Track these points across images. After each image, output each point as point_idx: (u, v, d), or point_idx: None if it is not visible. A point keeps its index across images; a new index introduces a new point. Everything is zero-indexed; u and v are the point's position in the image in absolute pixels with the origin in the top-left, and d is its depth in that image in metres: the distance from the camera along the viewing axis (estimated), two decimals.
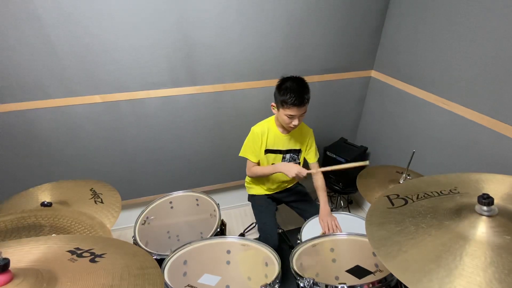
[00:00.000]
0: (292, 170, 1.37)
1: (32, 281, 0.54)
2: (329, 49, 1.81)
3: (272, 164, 1.54)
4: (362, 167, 1.38)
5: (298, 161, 1.59)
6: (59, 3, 1.32)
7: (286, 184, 1.69)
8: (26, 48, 1.37)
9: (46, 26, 1.35)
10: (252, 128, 1.51)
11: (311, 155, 1.59)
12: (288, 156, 1.55)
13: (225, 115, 1.83)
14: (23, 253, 0.64)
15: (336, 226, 1.37)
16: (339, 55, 1.84)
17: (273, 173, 1.51)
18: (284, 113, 1.36)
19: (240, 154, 1.55)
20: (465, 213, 0.73)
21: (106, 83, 1.54)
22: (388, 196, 0.89)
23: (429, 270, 0.62)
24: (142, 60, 1.53)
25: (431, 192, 0.86)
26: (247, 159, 1.54)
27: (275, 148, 1.51)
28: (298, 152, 1.56)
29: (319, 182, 1.56)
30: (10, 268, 0.54)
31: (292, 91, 1.30)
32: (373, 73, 1.97)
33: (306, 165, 1.60)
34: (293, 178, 1.39)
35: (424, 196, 0.85)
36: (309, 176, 1.43)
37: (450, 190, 0.85)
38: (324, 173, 2.03)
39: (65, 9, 1.34)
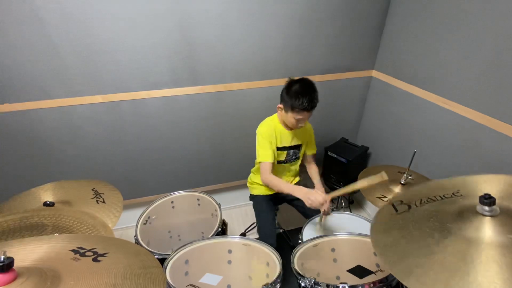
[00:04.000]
0: (311, 200, 1.26)
1: (36, 280, 0.55)
2: (330, 49, 1.81)
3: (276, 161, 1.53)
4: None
5: (299, 155, 1.61)
6: (60, 4, 1.32)
7: (291, 181, 1.69)
8: (28, 48, 1.37)
9: (48, 27, 1.35)
10: (259, 129, 1.48)
11: (310, 148, 1.64)
12: (291, 152, 1.56)
13: (226, 115, 1.83)
14: (27, 252, 0.64)
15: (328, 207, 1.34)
16: (340, 55, 1.84)
17: (289, 193, 1.38)
18: (292, 116, 1.36)
19: (259, 160, 1.47)
20: (467, 215, 0.73)
21: (107, 83, 1.55)
22: (392, 204, 0.90)
23: (434, 273, 0.62)
24: (143, 60, 1.54)
25: (434, 197, 0.87)
26: (260, 163, 1.47)
27: (281, 145, 1.52)
28: (299, 147, 1.58)
29: (312, 171, 1.60)
30: (14, 267, 0.54)
31: (303, 96, 1.30)
32: (374, 73, 1.97)
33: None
34: (310, 207, 1.29)
35: (427, 200, 0.86)
36: (304, 167, 1.42)
37: (453, 193, 0.86)
38: (324, 172, 2.03)
39: (67, 10, 1.34)
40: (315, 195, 1.26)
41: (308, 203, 1.26)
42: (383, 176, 1.10)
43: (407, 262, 0.67)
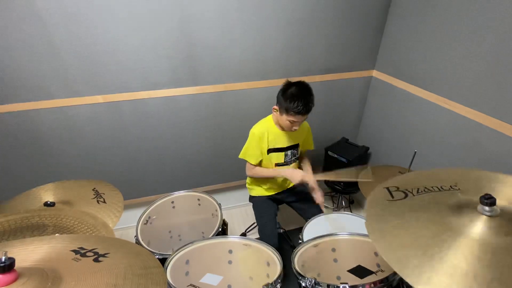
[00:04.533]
0: (296, 177, 1.41)
1: (37, 280, 0.55)
2: (330, 49, 1.81)
3: (275, 164, 1.55)
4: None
5: (298, 156, 1.62)
6: (61, 4, 1.33)
7: (288, 184, 1.69)
8: (29, 48, 1.37)
9: (49, 27, 1.35)
10: (252, 130, 1.51)
11: (307, 145, 1.67)
12: (289, 152, 1.56)
13: (227, 115, 1.83)
14: (28, 253, 0.64)
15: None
16: (340, 55, 1.84)
17: (276, 177, 1.52)
18: (287, 119, 1.37)
19: (240, 156, 1.55)
20: (467, 212, 0.73)
21: (108, 84, 1.55)
22: (387, 188, 0.88)
23: (430, 267, 0.62)
24: (144, 60, 1.54)
25: (432, 187, 0.85)
26: (246, 161, 1.54)
27: (276, 146, 1.52)
28: (297, 147, 1.59)
29: (303, 160, 1.67)
30: (15, 268, 0.55)
31: (298, 99, 1.30)
32: (375, 73, 1.97)
33: None
34: (297, 184, 1.43)
35: (424, 190, 0.85)
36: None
37: (450, 186, 0.85)
38: (325, 172, 2.02)
39: (68, 10, 1.34)
40: (301, 174, 1.42)
41: (296, 182, 1.41)
42: (369, 174, 1.32)
43: (404, 252, 0.66)
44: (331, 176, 1.42)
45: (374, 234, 0.73)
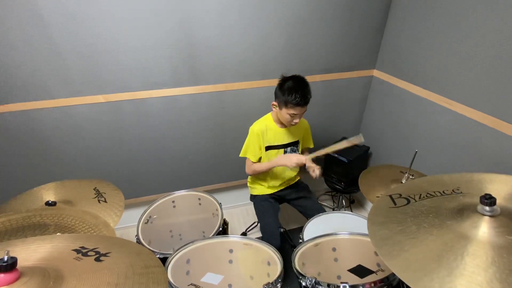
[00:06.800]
0: (292, 160, 1.43)
1: (38, 280, 0.55)
2: (331, 49, 1.80)
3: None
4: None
5: (298, 153, 1.63)
6: (62, 4, 1.33)
7: (289, 180, 1.70)
8: (29, 48, 1.38)
9: (50, 26, 1.36)
10: (251, 128, 1.53)
11: (307, 143, 1.69)
12: (289, 149, 1.58)
13: (227, 115, 1.84)
14: (30, 252, 0.65)
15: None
16: (341, 54, 1.84)
17: (274, 167, 1.53)
18: (287, 112, 1.39)
19: (241, 155, 1.57)
20: (467, 213, 0.73)
21: (108, 83, 1.55)
22: (390, 196, 0.89)
23: (430, 269, 0.62)
24: (144, 60, 1.54)
25: (434, 192, 0.86)
26: (246, 158, 1.56)
27: (276, 143, 1.54)
28: (297, 143, 1.61)
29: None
30: (17, 267, 0.55)
31: (296, 91, 1.33)
32: (375, 73, 1.96)
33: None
34: (295, 167, 1.45)
35: (426, 195, 0.86)
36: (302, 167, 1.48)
37: (452, 190, 0.85)
38: (325, 172, 2.03)
39: (69, 10, 1.34)
40: (296, 156, 1.43)
41: (293, 165, 1.42)
42: (360, 138, 1.34)
43: (405, 257, 0.66)
44: (324, 151, 1.42)
45: (376, 241, 0.74)
